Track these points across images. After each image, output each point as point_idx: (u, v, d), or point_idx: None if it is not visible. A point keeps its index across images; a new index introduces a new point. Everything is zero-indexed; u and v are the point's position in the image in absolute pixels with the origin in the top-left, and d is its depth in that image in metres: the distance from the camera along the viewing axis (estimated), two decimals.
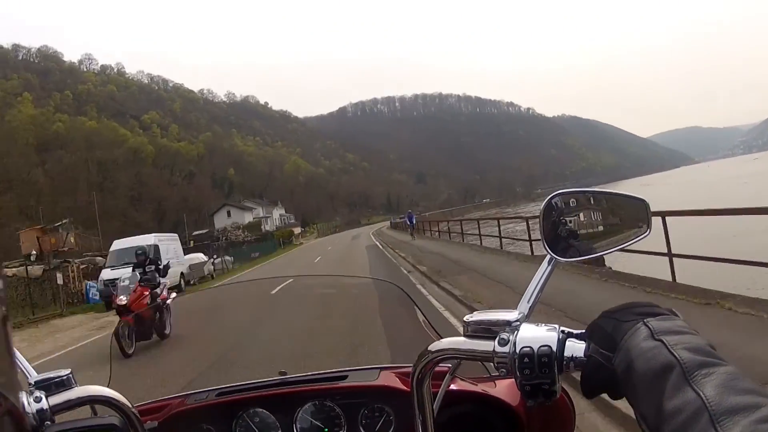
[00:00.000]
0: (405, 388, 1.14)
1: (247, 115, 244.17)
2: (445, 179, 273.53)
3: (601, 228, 0.92)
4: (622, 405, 3.83)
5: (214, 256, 41.94)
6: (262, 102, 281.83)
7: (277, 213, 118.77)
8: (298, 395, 1.27)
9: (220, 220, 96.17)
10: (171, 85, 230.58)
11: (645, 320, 0.64)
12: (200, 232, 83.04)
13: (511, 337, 0.74)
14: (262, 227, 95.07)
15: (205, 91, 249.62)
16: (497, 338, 0.76)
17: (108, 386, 1.03)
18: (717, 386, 0.50)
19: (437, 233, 32.79)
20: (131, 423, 1.00)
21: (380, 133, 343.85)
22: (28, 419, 0.82)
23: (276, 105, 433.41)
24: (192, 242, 65.84)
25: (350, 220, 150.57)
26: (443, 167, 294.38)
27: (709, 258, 8.55)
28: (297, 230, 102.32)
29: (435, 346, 0.85)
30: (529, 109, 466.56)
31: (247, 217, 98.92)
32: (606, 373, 0.65)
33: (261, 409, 1.27)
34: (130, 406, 1.01)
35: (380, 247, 33.91)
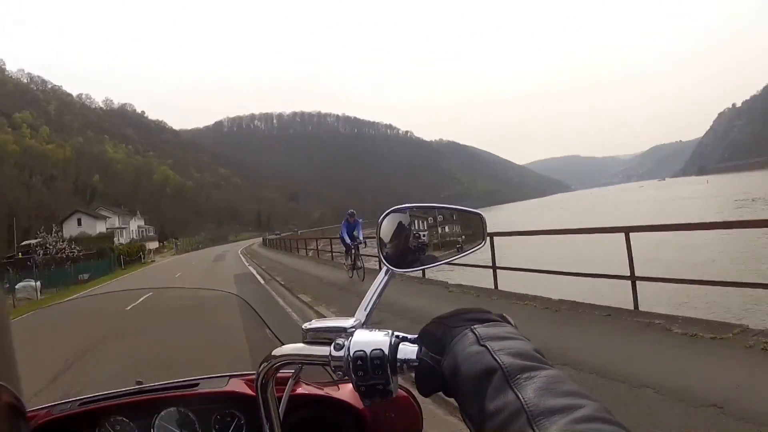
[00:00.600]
0: (252, 393, 1.14)
1: (121, 122, 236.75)
2: (317, 199, 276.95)
3: (438, 240, 0.96)
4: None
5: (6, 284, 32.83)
6: (139, 111, 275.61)
7: (135, 224, 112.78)
8: (154, 403, 1.30)
9: (70, 229, 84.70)
10: (50, 86, 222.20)
11: (472, 327, 0.67)
12: (31, 241, 65.97)
13: (346, 342, 0.78)
14: (116, 239, 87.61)
15: (83, 96, 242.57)
16: (333, 344, 0.79)
17: None
18: (537, 389, 0.53)
19: (314, 251, 30.74)
20: None
21: (256, 149, 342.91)
22: None
23: (153, 115, 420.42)
24: (20, 254, 58.29)
25: (218, 236, 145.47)
26: (317, 187, 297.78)
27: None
28: (153, 245, 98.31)
29: (276, 351, 0.88)
30: (407, 132, 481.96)
31: (100, 227, 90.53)
32: (436, 375, 0.69)
33: (121, 417, 1.29)
34: None
35: (259, 279, 21.27)
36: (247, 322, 1.65)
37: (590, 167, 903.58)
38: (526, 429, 0.50)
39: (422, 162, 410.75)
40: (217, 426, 1.28)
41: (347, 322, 0.83)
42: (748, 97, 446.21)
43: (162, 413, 1.30)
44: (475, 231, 0.99)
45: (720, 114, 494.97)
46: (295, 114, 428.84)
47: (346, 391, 1.23)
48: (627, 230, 7.71)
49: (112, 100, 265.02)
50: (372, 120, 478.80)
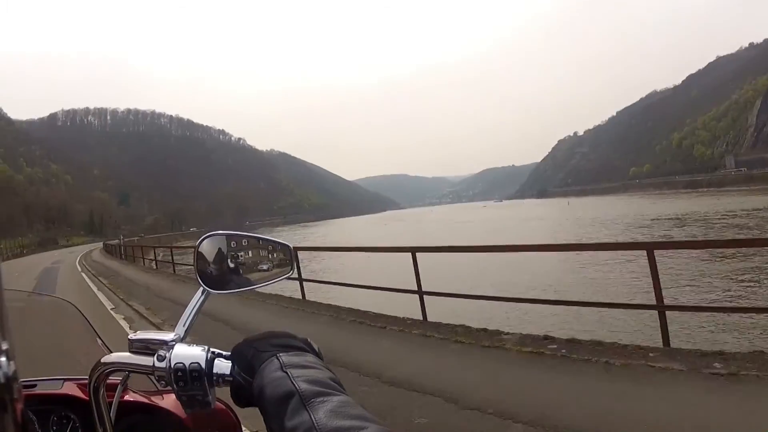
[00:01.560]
0: (86, 397, 1.15)
1: None
2: (149, 203, 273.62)
3: (252, 265, 1.06)
4: None
5: None
6: None
7: None
8: None
9: None
10: None
11: (278, 354, 0.79)
12: None
13: (167, 354, 0.85)
14: None
15: None
16: (156, 355, 0.86)
17: None
18: (327, 411, 0.64)
19: (152, 262, 27.44)
20: None
21: (88, 146, 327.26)
22: None
23: None
24: None
25: (45, 239, 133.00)
26: (148, 190, 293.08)
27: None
28: None
29: (105, 359, 0.93)
30: (240, 139, 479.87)
31: None
32: (248, 392, 0.79)
33: None
34: None
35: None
36: (79, 328, 1.65)
37: (419, 186, 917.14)
38: None
39: (256, 171, 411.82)
40: (54, 427, 1.29)
41: (168, 336, 0.89)
42: (591, 127, 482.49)
43: (3, 413, 0.99)
44: (284, 260, 1.08)
45: (560, 141, 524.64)
46: (129, 111, 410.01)
47: (170, 401, 1.27)
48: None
49: None
50: (205, 124, 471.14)
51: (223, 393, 0.89)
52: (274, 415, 0.70)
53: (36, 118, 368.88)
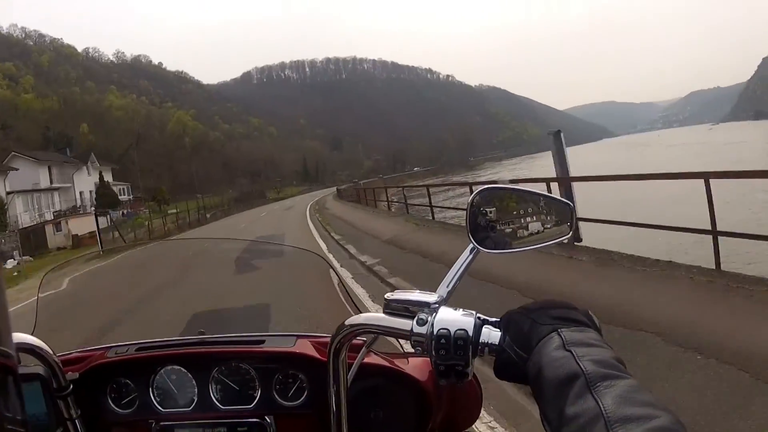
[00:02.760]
0: (320, 357, 1.17)
1: (135, 74, 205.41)
2: (363, 147, 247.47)
3: (526, 225, 0.95)
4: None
5: None
6: (155, 62, 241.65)
7: (91, 179, 68.90)
8: (215, 356, 1.28)
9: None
10: (48, 39, 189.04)
11: (559, 330, 0.69)
12: None
13: (429, 318, 0.78)
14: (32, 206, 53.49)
15: (90, 50, 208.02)
16: (416, 318, 0.79)
17: (32, 334, 1.03)
18: (616, 396, 0.56)
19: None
20: (54, 373, 1.00)
21: (289, 98, 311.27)
22: None
23: (173, 67, 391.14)
24: None
25: (249, 194, 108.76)
26: (360, 134, 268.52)
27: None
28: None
29: (355, 319, 0.88)
30: (449, 76, 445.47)
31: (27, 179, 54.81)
32: (518, 368, 0.71)
33: (178, 367, 1.27)
34: (53, 356, 1.01)
35: None
36: (324, 284, 1.56)
37: (628, 113, 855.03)
38: None
39: (469, 106, 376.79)
40: (278, 386, 1.26)
41: (431, 297, 0.81)
42: None
43: (222, 367, 1.27)
44: (561, 219, 0.98)
45: (765, 59, 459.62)
46: (328, 60, 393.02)
47: (414, 366, 1.20)
48: None
49: (123, 53, 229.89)
50: (410, 64, 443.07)
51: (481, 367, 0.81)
52: (552, 400, 0.61)
53: (229, 79, 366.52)
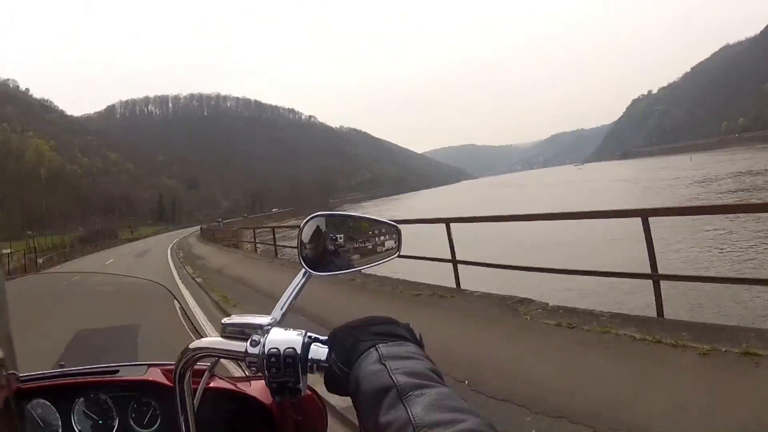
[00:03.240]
0: (170, 383, 1.18)
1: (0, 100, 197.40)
2: (221, 186, 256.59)
3: (355, 247, 1.01)
4: None
5: None
6: (23, 88, 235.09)
7: None
8: (74, 387, 1.28)
9: None
10: None
11: (377, 345, 0.74)
12: None
13: (261, 339, 0.82)
14: None
15: None
16: (249, 340, 0.83)
17: None
18: (425, 405, 0.60)
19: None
20: None
21: (150, 134, 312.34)
22: None
23: (40, 94, 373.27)
24: None
25: (99, 233, 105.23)
26: (219, 173, 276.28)
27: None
28: None
29: (195, 344, 0.90)
30: (310, 116, 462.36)
31: None
32: (343, 383, 0.76)
33: (43, 400, 1.27)
34: None
35: None
36: (169, 312, 1.62)
37: (487, 155, 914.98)
38: None
39: (330, 148, 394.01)
40: (133, 414, 1.28)
41: (264, 320, 0.86)
42: (665, 84, 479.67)
43: (82, 398, 1.28)
44: (390, 241, 1.03)
45: (634, 100, 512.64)
46: (192, 96, 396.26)
47: (257, 388, 1.24)
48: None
49: None
50: (273, 104, 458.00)
51: (311, 378, 0.85)
52: (368, 410, 0.66)
53: (92, 112, 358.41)
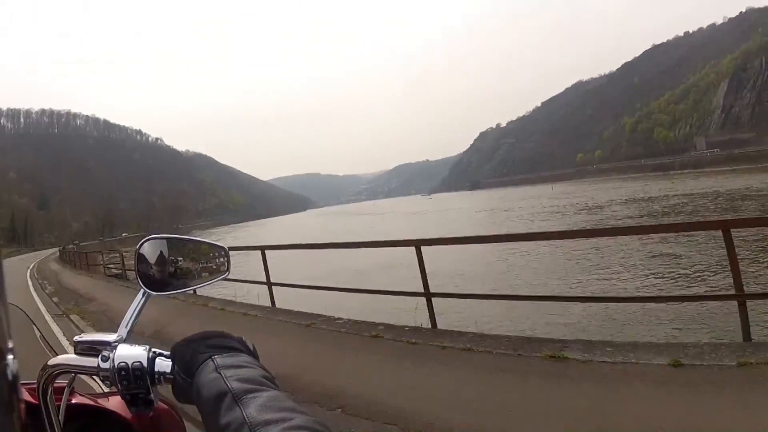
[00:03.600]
0: (34, 401, 1.14)
1: None
2: (71, 206, 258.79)
3: (190, 268, 1.10)
4: None
5: None
6: None
7: None
8: None
9: None
10: None
11: (213, 357, 0.83)
12: None
13: (111, 355, 0.88)
14: None
15: None
16: (100, 355, 0.89)
17: None
18: (258, 406, 0.69)
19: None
20: None
21: (2, 149, 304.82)
22: None
23: None
24: None
25: None
26: (69, 193, 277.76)
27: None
28: None
29: (52, 361, 0.94)
30: (158, 139, 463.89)
31: None
32: (188, 392, 0.84)
33: None
34: None
35: None
36: (24, 332, 1.60)
37: (332, 184, 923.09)
38: None
39: (177, 172, 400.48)
40: None
41: (111, 337, 0.92)
42: (514, 118, 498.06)
43: None
44: (221, 261, 1.14)
45: (482, 133, 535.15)
46: (43, 111, 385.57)
47: (116, 402, 1.25)
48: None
49: None
50: (122, 124, 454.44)
51: (168, 395, 0.91)
52: (210, 414, 0.73)
53: None
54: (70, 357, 0.93)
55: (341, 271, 20.00)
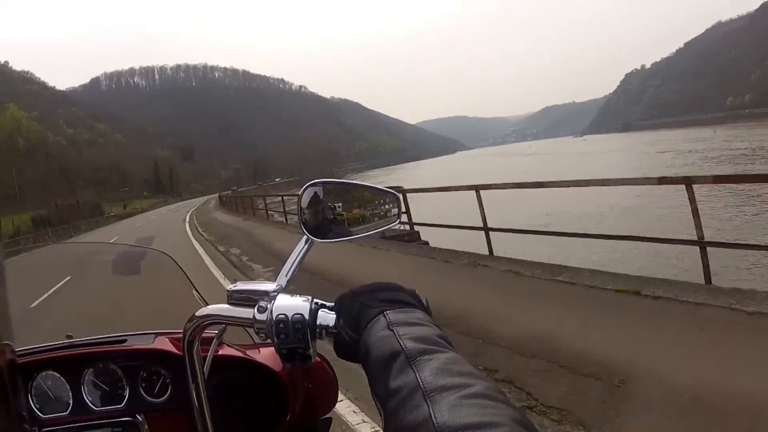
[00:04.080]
0: (178, 352, 1.19)
1: None
2: (216, 157, 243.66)
3: (357, 214, 1.03)
4: None
5: None
6: (1, 61, 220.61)
7: None
8: (83, 358, 1.28)
9: None
10: None
11: (385, 312, 0.74)
12: None
13: (269, 305, 0.82)
14: None
15: None
16: (257, 306, 0.83)
17: None
18: (433, 369, 0.60)
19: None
20: None
21: (137, 105, 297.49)
22: None
23: (21, 66, 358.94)
24: None
25: (72, 209, 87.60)
26: (213, 144, 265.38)
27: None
28: None
29: (201, 311, 0.90)
30: (301, 86, 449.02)
31: None
32: (352, 349, 0.76)
33: (52, 372, 1.27)
34: None
35: None
36: (174, 281, 1.61)
37: (480, 127, 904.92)
38: (422, 403, 0.56)
39: (323, 118, 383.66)
40: (144, 384, 1.27)
41: (270, 286, 0.85)
42: (658, 59, 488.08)
43: (92, 369, 1.28)
44: (390, 208, 1.03)
45: (628, 74, 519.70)
46: (178, 67, 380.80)
47: (266, 355, 1.24)
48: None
49: None
50: (263, 74, 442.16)
51: (320, 347, 0.85)
52: (378, 376, 0.66)
53: (77, 85, 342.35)
54: (221, 307, 0.88)
55: (541, 215, 20.17)
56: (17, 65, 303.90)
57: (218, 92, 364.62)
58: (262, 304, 0.83)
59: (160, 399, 1.27)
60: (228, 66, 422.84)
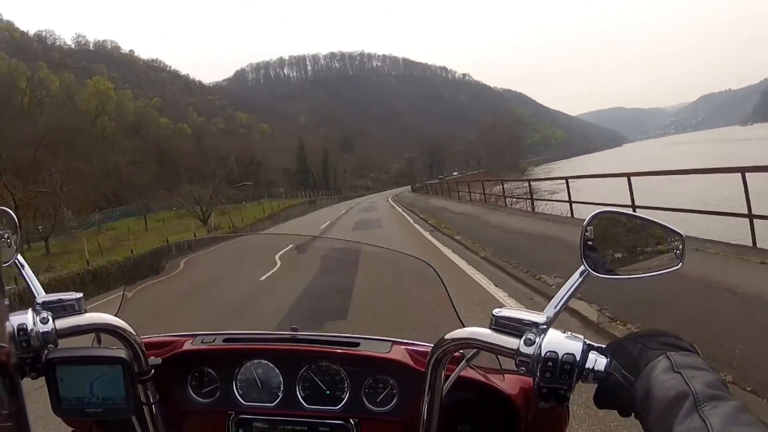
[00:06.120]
0: (415, 365, 1.17)
1: (93, 59, 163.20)
2: (381, 148, 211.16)
3: (636, 251, 0.94)
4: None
5: None
6: (126, 50, 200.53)
7: None
8: (306, 353, 1.27)
9: None
10: None
11: (668, 353, 0.71)
12: None
13: (537, 339, 0.78)
14: None
15: (45, 33, 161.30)
16: (524, 337, 0.79)
17: (117, 316, 1.03)
18: (722, 417, 0.58)
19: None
20: (136, 356, 0.99)
21: (287, 95, 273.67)
22: (32, 339, 0.86)
23: (181, 68, 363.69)
24: None
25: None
26: (373, 134, 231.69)
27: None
28: None
29: (460, 333, 0.87)
30: (465, 75, 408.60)
31: None
32: (622, 392, 0.73)
33: (266, 362, 1.27)
34: (137, 339, 1.00)
35: None
36: (427, 292, 1.53)
37: (637, 118, 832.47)
38: None
39: (491, 107, 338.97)
40: (367, 390, 1.24)
41: (539, 318, 0.81)
42: None
43: (312, 366, 1.26)
44: (670, 249, 0.95)
45: None
46: (333, 55, 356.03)
47: (508, 383, 1.18)
48: None
49: (84, 36, 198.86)
50: (424, 62, 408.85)
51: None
52: (660, 419, 0.64)
53: (221, 79, 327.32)
54: (483, 332, 0.85)
55: None
56: (178, 66, 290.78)
57: (378, 80, 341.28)
58: (530, 336, 0.79)
59: (383, 408, 1.22)
60: (388, 53, 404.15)
